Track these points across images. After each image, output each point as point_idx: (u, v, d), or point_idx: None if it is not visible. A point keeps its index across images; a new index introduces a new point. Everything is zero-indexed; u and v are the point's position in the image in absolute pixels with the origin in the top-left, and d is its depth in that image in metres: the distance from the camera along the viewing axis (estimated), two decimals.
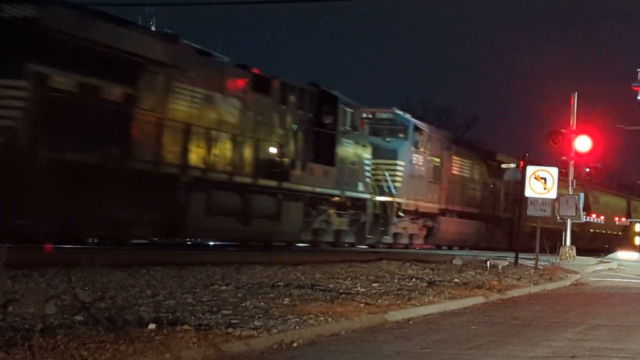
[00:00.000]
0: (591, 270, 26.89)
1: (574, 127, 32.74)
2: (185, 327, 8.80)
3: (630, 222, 56.82)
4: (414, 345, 9.69)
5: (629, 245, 49.38)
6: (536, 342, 10.24)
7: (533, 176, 23.36)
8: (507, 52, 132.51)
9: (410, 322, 11.78)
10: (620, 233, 65.55)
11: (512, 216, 46.95)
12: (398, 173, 37.29)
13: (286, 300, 11.79)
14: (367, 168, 34.47)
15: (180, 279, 13.42)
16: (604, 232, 63.77)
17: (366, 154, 34.42)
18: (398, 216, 37.30)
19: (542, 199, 23.36)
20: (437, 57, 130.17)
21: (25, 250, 15.96)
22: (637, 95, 38.47)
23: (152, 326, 8.66)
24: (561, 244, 32.38)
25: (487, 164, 47.44)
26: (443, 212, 41.92)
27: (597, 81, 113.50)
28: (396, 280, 16.42)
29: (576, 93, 33.41)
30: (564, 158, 33.44)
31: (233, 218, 26.51)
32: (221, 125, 26.33)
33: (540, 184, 23.27)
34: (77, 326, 8.49)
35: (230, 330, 9.01)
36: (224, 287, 12.80)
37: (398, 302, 12.82)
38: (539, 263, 23.42)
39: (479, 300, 14.87)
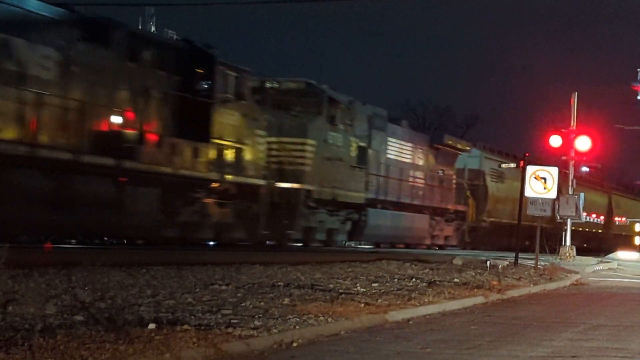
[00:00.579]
0: (591, 270, 26.89)
1: (574, 127, 32.74)
2: (185, 327, 8.80)
3: (631, 221, 56.84)
4: (414, 345, 9.69)
5: (611, 244, 49.58)
6: (536, 342, 10.24)
7: (533, 176, 23.35)
8: (507, 52, 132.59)
9: (410, 322, 11.78)
10: (600, 231, 64.15)
11: (466, 209, 44.49)
12: (308, 154, 30.66)
13: (286, 300, 11.79)
14: (261, 147, 28.57)
15: (180, 279, 13.41)
16: (580, 229, 62.60)
17: (259, 129, 28.42)
18: (308, 207, 30.70)
19: (542, 198, 23.35)
20: (437, 57, 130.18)
21: (26, 250, 15.98)
22: (637, 95, 38.48)
23: (152, 326, 8.66)
24: (560, 244, 32.38)
25: (434, 148, 41.19)
26: (373, 203, 35.21)
27: (597, 81, 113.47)
28: (396, 280, 16.42)
29: (576, 93, 33.43)
30: (563, 158, 33.41)
31: (41, 206, 20.61)
32: (21, 81, 20.42)
33: (540, 183, 23.27)
34: (77, 326, 8.49)
35: (230, 330, 9.01)
36: (223, 287, 12.80)
37: (398, 302, 12.82)
38: (539, 263, 23.41)
39: (479, 300, 14.87)
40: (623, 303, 16.66)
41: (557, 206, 27.67)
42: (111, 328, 8.35)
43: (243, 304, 11.08)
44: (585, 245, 52.03)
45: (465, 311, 13.57)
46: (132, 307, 10.05)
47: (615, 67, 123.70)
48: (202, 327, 8.98)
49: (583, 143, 32.66)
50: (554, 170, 23.64)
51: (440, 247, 41.49)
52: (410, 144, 39.14)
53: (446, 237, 42.94)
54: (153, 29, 30.47)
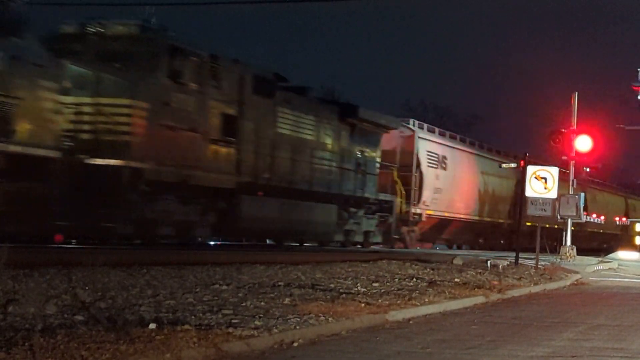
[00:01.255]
0: (591, 270, 26.90)
1: (575, 127, 32.75)
2: (186, 326, 8.81)
3: (631, 222, 56.86)
4: (415, 345, 9.69)
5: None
6: (537, 342, 10.24)
7: (533, 176, 23.36)
8: (508, 52, 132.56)
9: (411, 322, 11.79)
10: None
11: (393, 199, 35.91)
12: (136, 120, 22.75)
13: (287, 300, 11.80)
14: (53, 107, 20.78)
15: (181, 279, 13.42)
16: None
17: (47, 80, 20.63)
18: (142, 192, 22.76)
19: (542, 198, 23.36)
20: (438, 57, 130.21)
21: (26, 250, 15.98)
22: (637, 95, 38.48)
23: (152, 326, 8.66)
24: (561, 244, 32.40)
25: (348, 124, 32.54)
26: (250, 189, 26.99)
27: (597, 81, 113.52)
28: (397, 280, 16.43)
29: (576, 93, 33.45)
30: (564, 158, 33.43)
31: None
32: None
33: (541, 183, 23.28)
34: (77, 326, 8.49)
35: (230, 330, 9.02)
36: (224, 287, 12.80)
37: (398, 302, 12.83)
38: (539, 263, 23.41)
39: (479, 300, 14.88)
40: (623, 303, 16.67)
41: (557, 206, 27.68)
42: (112, 328, 8.35)
43: (244, 304, 11.08)
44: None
45: (465, 311, 13.58)
46: (132, 307, 10.06)
47: (616, 67, 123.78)
48: (203, 327, 8.99)
49: (584, 143, 32.66)
50: (555, 170, 23.66)
51: (362, 244, 34.30)
52: (312, 117, 30.49)
53: (367, 233, 34.48)
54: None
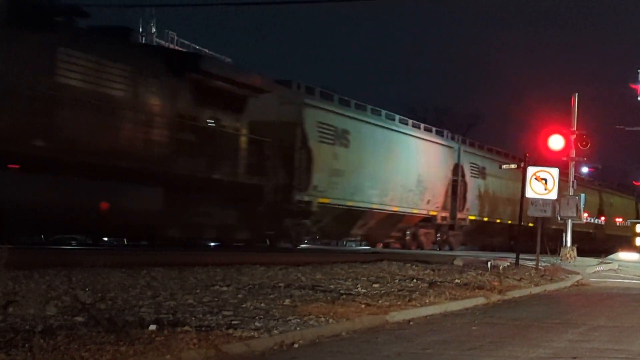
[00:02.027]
0: (592, 270, 26.89)
1: (575, 128, 32.73)
2: (186, 328, 8.80)
3: (632, 222, 56.75)
4: (415, 346, 9.68)
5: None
6: (537, 343, 10.23)
7: (534, 177, 23.35)
8: (507, 53, 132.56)
9: (411, 323, 11.78)
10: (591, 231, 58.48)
11: (265, 183, 27.68)
12: None
13: (287, 301, 11.79)
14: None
15: (181, 280, 13.42)
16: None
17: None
18: None
19: (542, 199, 23.35)
20: (437, 58, 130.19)
21: (26, 251, 15.97)
22: (637, 94, 38.44)
23: (152, 327, 8.66)
24: (561, 245, 32.38)
25: (189, 81, 24.30)
26: None
27: (597, 82, 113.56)
28: (397, 281, 16.43)
29: (577, 94, 33.42)
30: (564, 159, 33.39)
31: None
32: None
33: (541, 184, 23.27)
34: (77, 327, 8.48)
35: (231, 331, 9.01)
36: (224, 288, 12.80)
37: (399, 303, 12.82)
38: (539, 264, 23.40)
39: (480, 301, 14.86)
40: (624, 304, 16.66)
41: (557, 207, 27.68)
42: (112, 329, 8.34)
43: (244, 305, 11.08)
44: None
45: (466, 312, 13.57)
46: (132, 308, 10.05)
47: (616, 68, 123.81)
48: (203, 328, 8.98)
49: (583, 144, 32.63)
50: (555, 171, 23.65)
51: (221, 242, 27.35)
52: (125, 68, 22.47)
53: (222, 227, 26.25)
54: (154, 29, 30.43)
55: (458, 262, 22.73)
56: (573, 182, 33.05)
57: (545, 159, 31.09)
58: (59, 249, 19.97)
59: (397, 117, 36.56)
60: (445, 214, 39.77)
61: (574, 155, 32.92)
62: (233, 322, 9.56)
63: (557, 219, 30.49)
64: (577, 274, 23.61)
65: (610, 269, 28.91)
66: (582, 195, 32.27)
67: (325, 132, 31.07)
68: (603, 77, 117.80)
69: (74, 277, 12.14)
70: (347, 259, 21.02)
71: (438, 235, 40.25)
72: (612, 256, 37.54)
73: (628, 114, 42.59)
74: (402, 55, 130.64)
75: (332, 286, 14.43)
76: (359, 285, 14.83)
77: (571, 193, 32.20)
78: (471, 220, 41.73)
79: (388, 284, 15.59)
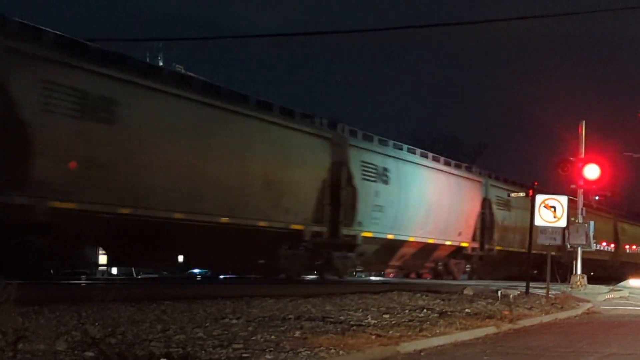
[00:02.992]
0: (602, 298, 26.77)
1: (583, 155, 32.74)
2: None
3: None
4: None
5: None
6: None
7: (542, 205, 23.32)
8: (514, 82, 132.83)
9: (422, 353, 11.73)
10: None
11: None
12: None
13: (297, 333, 11.75)
14: None
15: (191, 313, 13.39)
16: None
17: None
18: None
19: (552, 227, 23.30)
20: (445, 87, 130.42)
21: (36, 287, 15.96)
22: None
23: None
24: (571, 273, 32.28)
25: None
26: None
27: (605, 110, 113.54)
28: (407, 311, 16.36)
29: (584, 121, 33.46)
30: (573, 186, 33.37)
31: None
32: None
33: (550, 212, 23.23)
34: None
35: None
36: (234, 321, 12.77)
37: (410, 333, 12.77)
38: (550, 292, 23.30)
39: (490, 330, 14.80)
40: (636, 331, 16.56)
41: (567, 235, 27.61)
42: None
43: (254, 338, 11.05)
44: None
45: (477, 341, 13.51)
46: (142, 343, 10.03)
47: (623, 95, 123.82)
48: None
49: (592, 171, 32.61)
50: (564, 199, 23.62)
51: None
52: None
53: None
54: (161, 63, 30.62)
55: (468, 292, 22.64)
56: (582, 209, 33.00)
57: (559, 188, 31.14)
58: (69, 284, 19.97)
59: (430, 154, 38.16)
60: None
61: (581, 183, 32.89)
62: (243, 355, 9.53)
63: (567, 246, 30.41)
64: (588, 301, 23.50)
65: (621, 297, 28.77)
66: (592, 222, 32.22)
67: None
68: (612, 105, 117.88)
69: (84, 312, 12.12)
70: (356, 290, 20.96)
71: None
72: (622, 283, 37.38)
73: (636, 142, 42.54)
74: (409, 85, 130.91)
75: (342, 317, 14.38)
76: (369, 316, 14.78)
77: (580, 220, 32.14)
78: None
79: (398, 315, 15.54)
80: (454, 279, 38.65)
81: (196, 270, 27.46)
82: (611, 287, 32.97)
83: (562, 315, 19.56)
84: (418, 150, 37.15)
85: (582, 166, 32.48)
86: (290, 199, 27.76)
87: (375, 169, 33.10)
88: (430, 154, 38.33)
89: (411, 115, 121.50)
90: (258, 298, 16.59)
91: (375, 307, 16.73)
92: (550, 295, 22.75)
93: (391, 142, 35.12)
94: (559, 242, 24.00)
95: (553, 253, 37.61)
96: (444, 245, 38.60)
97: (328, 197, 29.45)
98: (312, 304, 16.26)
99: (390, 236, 33.91)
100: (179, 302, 14.58)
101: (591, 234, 31.32)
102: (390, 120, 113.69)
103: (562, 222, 23.46)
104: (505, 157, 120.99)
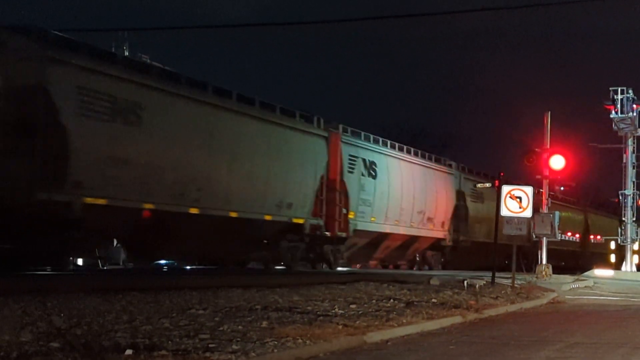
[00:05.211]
0: (567, 288, 26.99)
1: (548, 146, 32.94)
2: (163, 352, 8.75)
3: (606, 239, 57.03)
4: None
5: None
6: None
7: (508, 195, 23.46)
8: (479, 73, 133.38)
9: (389, 343, 11.77)
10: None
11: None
12: None
13: (264, 324, 11.76)
14: None
15: (157, 304, 13.34)
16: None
17: None
18: None
19: (517, 217, 23.45)
20: (410, 80, 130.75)
21: (0, 278, 15.84)
22: (609, 113, 38.77)
23: (129, 352, 8.61)
24: (536, 263, 32.53)
25: None
26: None
27: (570, 101, 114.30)
28: (374, 301, 16.41)
29: (549, 112, 33.66)
30: (538, 177, 33.60)
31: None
32: None
33: (516, 202, 23.37)
34: (53, 353, 8.42)
35: (208, 354, 8.97)
36: (201, 312, 12.74)
37: (376, 323, 12.81)
38: (515, 282, 23.47)
39: (456, 320, 14.88)
40: (600, 321, 16.73)
41: (532, 225, 27.81)
42: (88, 355, 8.28)
43: (221, 328, 11.03)
44: None
45: (443, 331, 13.58)
46: (108, 333, 9.99)
47: (588, 86, 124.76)
48: (180, 352, 8.93)
49: (557, 162, 32.84)
50: (529, 190, 23.77)
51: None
52: None
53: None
54: (126, 53, 30.46)
55: (435, 282, 22.74)
56: (548, 200, 33.24)
57: (527, 179, 31.35)
58: (35, 275, 19.84)
59: (412, 150, 38.92)
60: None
61: (547, 174, 33.12)
62: (210, 346, 9.52)
63: (532, 236, 30.64)
64: (553, 291, 23.70)
65: (585, 286, 29.02)
66: (557, 213, 32.45)
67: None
68: (577, 96, 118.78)
69: (49, 303, 12.05)
70: (324, 280, 20.97)
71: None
72: (587, 273, 37.70)
73: (602, 133, 42.80)
74: (377, 78, 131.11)
75: (309, 308, 14.40)
76: (336, 307, 14.81)
77: (545, 211, 32.37)
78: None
79: (365, 305, 15.58)
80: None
81: (162, 262, 27.45)
82: (576, 277, 33.26)
83: (527, 304, 19.71)
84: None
85: (548, 157, 32.69)
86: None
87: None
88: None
89: (380, 108, 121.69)
90: (225, 289, 16.56)
91: (342, 297, 16.77)
92: (516, 285, 22.92)
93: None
94: (524, 232, 24.15)
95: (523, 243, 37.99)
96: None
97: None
98: (279, 295, 16.26)
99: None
100: (146, 293, 14.53)
101: (556, 224, 31.53)
102: (362, 110, 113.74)
103: (528, 213, 23.62)
104: (472, 149, 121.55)
